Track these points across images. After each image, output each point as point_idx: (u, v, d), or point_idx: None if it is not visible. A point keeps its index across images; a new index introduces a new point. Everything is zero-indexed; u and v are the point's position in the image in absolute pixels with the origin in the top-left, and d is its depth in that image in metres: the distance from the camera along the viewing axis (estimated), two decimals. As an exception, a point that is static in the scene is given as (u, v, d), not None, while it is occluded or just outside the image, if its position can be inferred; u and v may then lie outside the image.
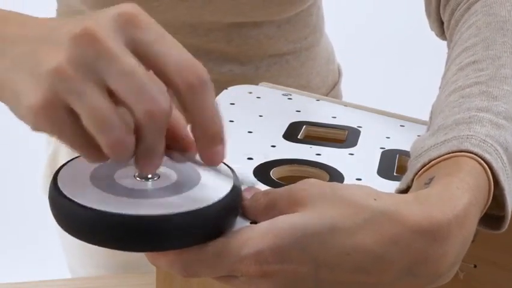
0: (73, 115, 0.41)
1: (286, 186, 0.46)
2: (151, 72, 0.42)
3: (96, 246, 0.43)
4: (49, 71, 0.41)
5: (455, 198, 0.44)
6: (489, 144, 0.47)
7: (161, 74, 0.42)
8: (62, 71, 0.40)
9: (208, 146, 0.44)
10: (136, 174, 0.47)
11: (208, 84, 0.43)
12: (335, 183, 0.45)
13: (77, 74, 0.40)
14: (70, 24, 0.43)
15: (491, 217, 0.48)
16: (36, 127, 0.42)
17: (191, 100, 0.42)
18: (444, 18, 0.67)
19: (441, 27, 0.69)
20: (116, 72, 0.40)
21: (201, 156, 0.44)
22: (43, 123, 0.41)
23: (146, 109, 0.41)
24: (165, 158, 0.49)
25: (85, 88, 0.40)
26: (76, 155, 0.46)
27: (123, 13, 0.42)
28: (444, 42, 0.72)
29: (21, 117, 0.43)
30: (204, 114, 0.43)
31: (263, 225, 0.43)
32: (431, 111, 0.56)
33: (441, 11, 0.68)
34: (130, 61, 0.41)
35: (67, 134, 0.42)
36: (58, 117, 0.41)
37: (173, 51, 0.42)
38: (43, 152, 1.01)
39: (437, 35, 0.71)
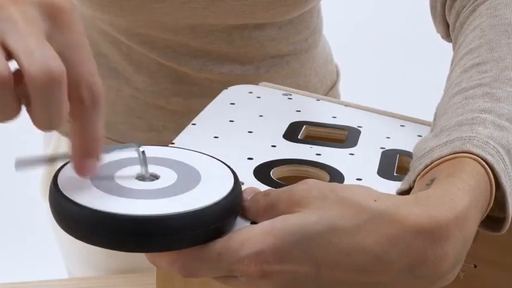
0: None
1: (286, 187, 0.46)
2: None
3: (94, 247, 0.43)
4: None
5: (455, 199, 0.44)
6: (491, 146, 0.47)
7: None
8: None
9: (83, 155, 0.45)
10: (137, 174, 0.47)
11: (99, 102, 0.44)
12: (335, 184, 0.45)
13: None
14: None
15: (492, 219, 0.48)
16: None
17: (83, 113, 0.44)
18: (450, 20, 0.67)
19: (446, 29, 0.69)
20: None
21: (74, 164, 0.46)
22: None
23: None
24: (166, 158, 0.49)
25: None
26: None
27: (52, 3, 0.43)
28: (445, 42, 0.72)
29: None
30: (87, 128, 0.44)
31: (263, 225, 0.43)
32: (435, 113, 0.56)
33: (446, 13, 0.68)
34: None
35: None
36: None
37: (84, 62, 0.43)
38: (42, 152, 1.01)
39: (442, 36, 0.71)
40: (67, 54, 0.43)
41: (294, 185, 0.45)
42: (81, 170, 0.46)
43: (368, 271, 0.43)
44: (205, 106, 0.67)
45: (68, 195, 0.43)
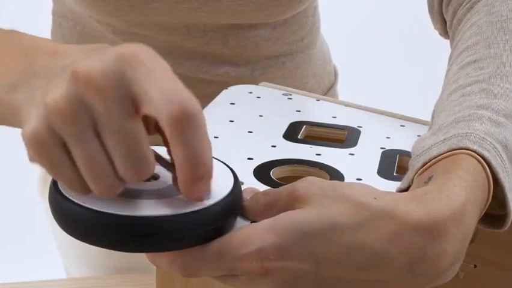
0: (64, 149, 0.41)
1: (285, 185, 0.46)
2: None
3: (92, 247, 0.43)
4: (46, 103, 0.40)
5: (451, 196, 0.44)
6: (488, 142, 0.47)
7: (148, 109, 0.40)
8: (57, 105, 0.40)
9: (191, 183, 0.42)
10: None
11: (195, 117, 0.40)
12: (335, 182, 0.45)
13: (72, 111, 0.40)
14: (79, 59, 0.43)
15: (493, 216, 0.48)
16: (29, 157, 0.42)
17: (174, 134, 0.40)
18: (447, 18, 0.67)
19: (444, 26, 0.69)
20: (107, 127, 0.40)
21: (183, 190, 0.43)
22: (32, 152, 0.41)
23: (127, 173, 0.41)
24: (166, 159, 0.49)
25: (79, 130, 0.40)
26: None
27: (125, 52, 0.41)
28: (443, 41, 0.72)
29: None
30: (188, 150, 0.40)
31: (264, 223, 0.43)
32: (433, 111, 0.56)
33: (443, 10, 0.68)
34: (122, 117, 0.40)
35: (55, 167, 0.42)
36: (47, 149, 0.41)
37: (160, 84, 0.40)
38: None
39: (440, 34, 0.71)
40: (144, 87, 0.40)
41: (295, 182, 0.45)
42: (193, 196, 0.43)
43: (368, 268, 0.43)
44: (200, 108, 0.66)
45: (68, 196, 0.43)
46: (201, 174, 0.41)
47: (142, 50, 0.41)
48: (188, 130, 0.40)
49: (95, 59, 0.41)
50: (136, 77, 0.40)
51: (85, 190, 0.42)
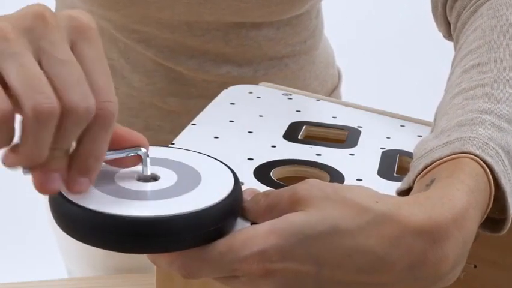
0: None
1: (286, 187, 0.46)
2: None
3: (94, 248, 0.43)
4: None
5: (453, 200, 0.44)
6: (491, 147, 0.47)
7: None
8: (3, 32, 0.40)
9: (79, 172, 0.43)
10: (137, 176, 0.47)
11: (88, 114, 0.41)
12: (336, 184, 0.45)
13: (17, 37, 0.40)
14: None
15: (491, 220, 0.48)
16: None
17: (90, 129, 0.42)
18: (451, 20, 0.67)
19: (448, 29, 0.69)
20: (57, 57, 0.41)
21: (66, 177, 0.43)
22: None
23: (75, 102, 0.40)
24: (166, 159, 0.49)
25: (20, 50, 0.40)
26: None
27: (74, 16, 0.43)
28: (443, 42, 0.72)
29: None
30: (91, 146, 0.42)
31: (266, 224, 0.43)
32: (436, 113, 0.56)
33: (447, 13, 0.68)
34: (66, 51, 0.41)
35: None
36: None
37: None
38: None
39: (444, 36, 0.71)
40: (89, 66, 0.42)
41: (296, 184, 0.45)
42: (71, 186, 0.43)
43: (368, 272, 0.43)
44: (201, 107, 0.66)
45: (67, 196, 0.43)
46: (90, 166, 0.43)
47: (92, 23, 0.43)
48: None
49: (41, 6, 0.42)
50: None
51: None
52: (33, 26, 0.41)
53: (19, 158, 0.41)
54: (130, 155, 0.46)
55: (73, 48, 0.42)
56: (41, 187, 0.42)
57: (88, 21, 0.43)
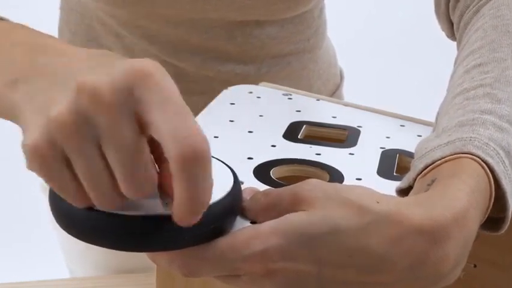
0: (65, 163, 0.40)
1: (287, 187, 0.46)
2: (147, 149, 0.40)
3: (95, 247, 0.43)
4: (49, 116, 0.40)
5: (454, 200, 0.44)
6: (491, 148, 0.48)
7: (158, 140, 0.40)
8: (60, 119, 0.39)
9: (185, 214, 0.41)
10: None
11: (203, 157, 0.39)
12: (337, 185, 0.45)
13: (75, 126, 0.39)
14: (86, 68, 0.42)
15: (490, 219, 0.49)
16: (28, 166, 0.41)
17: (180, 172, 0.39)
18: (454, 20, 0.68)
19: (451, 29, 0.69)
20: (111, 143, 0.39)
21: (175, 215, 0.41)
22: (32, 164, 0.41)
23: (128, 190, 0.40)
24: None
25: (81, 145, 0.39)
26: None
27: (136, 70, 0.39)
28: (443, 42, 0.72)
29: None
30: (191, 188, 0.40)
31: (267, 224, 0.43)
32: (437, 113, 0.56)
33: (450, 13, 0.68)
34: (127, 134, 0.39)
35: (54, 180, 0.41)
36: (47, 163, 0.40)
37: (171, 115, 0.39)
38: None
39: (447, 35, 0.71)
40: (154, 115, 0.39)
41: (296, 184, 0.45)
42: (183, 222, 0.41)
43: (370, 272, 0.43)
44: (204, 104, 0.67)
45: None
46: (197, 210, 0.41)
47: (153, 68, 0.40)
48: (195, 170, 0.39)
49: (103, 71, 0.39)
50: (145, 97, 0.39)
51: (84, 202, 0.42)
52: (90, 111, 0.39)
53: None
54: None
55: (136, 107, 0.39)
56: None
57: (147, 68, 0.40)
